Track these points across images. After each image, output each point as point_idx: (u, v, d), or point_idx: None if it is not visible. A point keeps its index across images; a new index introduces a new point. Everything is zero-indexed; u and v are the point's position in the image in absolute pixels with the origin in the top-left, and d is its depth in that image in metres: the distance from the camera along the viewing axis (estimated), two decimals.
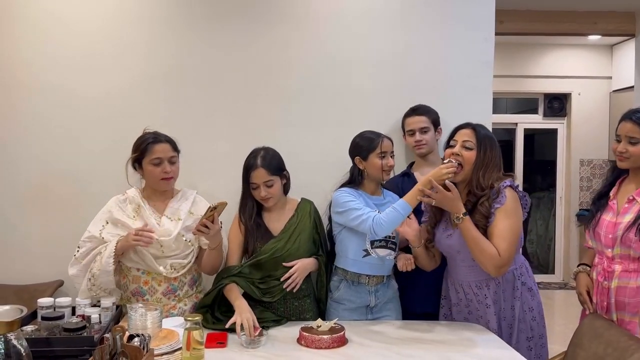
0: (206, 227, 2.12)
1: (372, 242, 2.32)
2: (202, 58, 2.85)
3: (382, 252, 2.33)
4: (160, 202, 2.36)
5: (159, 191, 2.35)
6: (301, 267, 2.30)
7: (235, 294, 2.22)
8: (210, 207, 2.11)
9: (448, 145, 2.27)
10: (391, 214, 2.16)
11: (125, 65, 2.82)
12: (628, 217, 2.07)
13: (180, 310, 2.29)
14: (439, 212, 2.31)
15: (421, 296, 2.50)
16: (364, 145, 2.35)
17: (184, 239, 2.30)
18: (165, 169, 2.28)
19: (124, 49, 2.82)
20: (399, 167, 2.72)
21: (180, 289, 2.31)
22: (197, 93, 2.85)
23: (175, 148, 2.34)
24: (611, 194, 2.20)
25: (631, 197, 2.11)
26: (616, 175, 2.24)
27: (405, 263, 2.30)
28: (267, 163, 2.31)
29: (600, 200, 2.23)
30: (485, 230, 2.13)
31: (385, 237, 2.31)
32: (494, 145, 2.20)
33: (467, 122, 2.28)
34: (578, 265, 2.36)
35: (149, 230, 2.19)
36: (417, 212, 2.38)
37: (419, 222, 2.36)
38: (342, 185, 2.41)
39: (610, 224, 2.13)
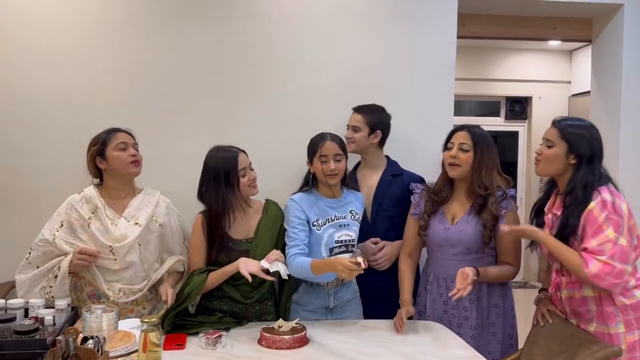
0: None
1: (330, 250, 2.27)
2: (166, 56, 2.80)
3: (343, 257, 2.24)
4: (120, 201, 2.27)
5: (120, 185, 2.27)
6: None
7: (220, 271, 2.19)
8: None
9: (445, 148, 2.34)
10: (301, 267, 2.14)
11: (87, 62, 2.76)
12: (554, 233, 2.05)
13: (139, 314, 2.24)
14: (436, 203, 2.37)
15: (382, 298, 2.50)
16: (309, 148, 2.31)
17: (140, 252, 2.20)
18: (132, 152, 2.22)
19: (85, 46, 2.76)
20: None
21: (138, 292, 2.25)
22: (161, 92, 2.80)
23: (134, 138, 2.30)
24: (546, 208, 2.17)
25: (554, 212, 2.09)
26: (550, 187, 2.20)
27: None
28: (242, 150, 2.32)
29: (538, 217, 2.21)
30: (491, 230, 2.23)
31: (345, 241, 2.30)
32: (491, 145, 2.28)
33: (463, 125, 2.34)
34: (539, 291, 2.34)
35: (93, 252, 2.12)
36: (407, 203, 2.47)
37: (398, 208, 2.43)
38: (299, 189, 2.35)
39: None
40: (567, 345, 1.99)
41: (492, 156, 2.27)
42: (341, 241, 2.29)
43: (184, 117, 2.81)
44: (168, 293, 2.11)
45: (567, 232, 1.96)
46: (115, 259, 2.16)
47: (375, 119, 2.58)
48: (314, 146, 2.28)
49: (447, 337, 2.15)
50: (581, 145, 1.99)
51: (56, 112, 2.75)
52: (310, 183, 2.32)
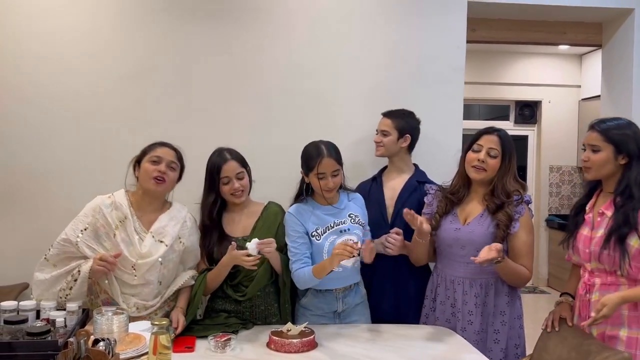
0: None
1: None
2: (175, 59, 2.83)
3: (348, 262, 2.12)
4: (149, 215, 2.24)
5: (149, 198, 2.25)
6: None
7: (216, 268, 2.24)
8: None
9: (470, 148, 2.31)
10: (304, 277, 2.19)
11: (98, 65, 2.79)
12: (600, 232, 2.04)
13: (150, 319, 2.23)
14: (450, 203, 2.35)
15: (392, 303, 2.51)
16: (305, 162, 2.25)
17: (160, 270, 2.18)
18: (160, 169, 2.19)
19: (96, 49, 2.79)
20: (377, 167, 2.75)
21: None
22: (169, 95, 2.83)
23: (179, 158, 2.28)
24: (587, 207, 2.15)
25: (601, 211, 2.07)
26: (592, 187, 2.19)
27: (370, 255, 2.16)
28: (236, 156, 2.34)
29: (577, 215, 2.18)
30: (504, 230, 2.22)
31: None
32: (515, 151, 2.29)
33: (492, 127, 2.32)
34: (561, 295, 2.30)
35: (113, 256, 2.10)
36: (420, 204, 2.46)
37: (420, 214, 2.38)
38: (294, 199, 2.35)
39: (586, 239, 2.10)
40: (577, 352, 1.98)
41: (515, 162, 2.29)
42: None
43: (192, 120, 2.83)
44: (180, 321, 2.12)
45: (625, 230, 1.96)
46: (136, 275, 2.15)
47: (404, 123, 2.60)
48: (310, 162, 2.21)
49: (454, 342, 2.15)
50: (629, 144, 2.00)
51: (63, 116, 2.78)
52: (304, 193, 2.31)
